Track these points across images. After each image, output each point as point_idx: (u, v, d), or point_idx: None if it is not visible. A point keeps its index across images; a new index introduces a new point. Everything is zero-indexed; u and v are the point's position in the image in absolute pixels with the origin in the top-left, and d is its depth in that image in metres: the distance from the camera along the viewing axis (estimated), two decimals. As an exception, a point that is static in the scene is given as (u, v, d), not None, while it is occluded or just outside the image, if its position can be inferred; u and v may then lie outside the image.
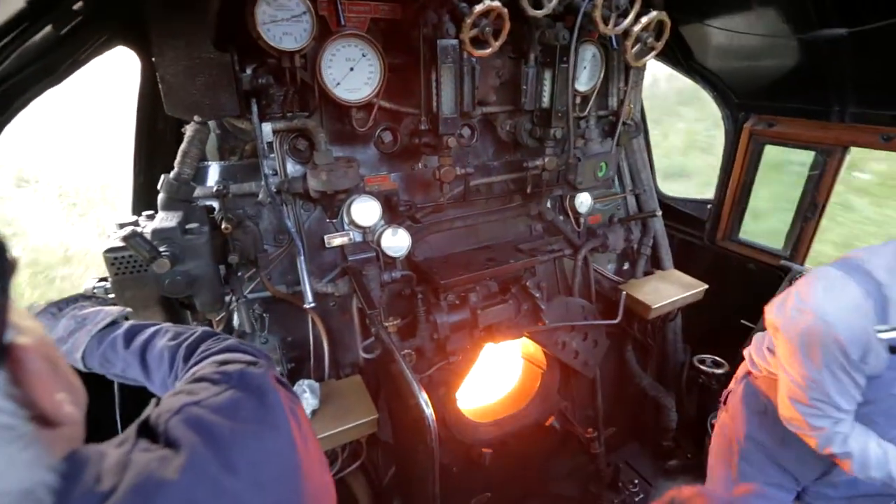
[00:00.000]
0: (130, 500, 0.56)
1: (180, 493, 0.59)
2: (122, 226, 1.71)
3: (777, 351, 1.76)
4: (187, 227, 1.73)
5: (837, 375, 1.51)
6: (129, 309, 1.41)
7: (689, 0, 2.55)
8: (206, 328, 1.14)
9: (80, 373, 1.20)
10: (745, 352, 2.13)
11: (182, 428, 0.66)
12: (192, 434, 0.65)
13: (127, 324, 1.22)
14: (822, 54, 2.29)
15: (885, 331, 1.43)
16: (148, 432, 0.68)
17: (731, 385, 2.24)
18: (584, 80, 2.58)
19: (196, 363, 0.97)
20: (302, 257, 2.15)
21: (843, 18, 2.06)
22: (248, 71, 1.98)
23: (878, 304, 1.45)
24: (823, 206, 2.75)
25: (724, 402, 2.27)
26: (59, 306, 1.27)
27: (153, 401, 0.75)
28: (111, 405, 1.66)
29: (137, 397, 1.22)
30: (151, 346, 1.13)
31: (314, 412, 2.07)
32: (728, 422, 2.17)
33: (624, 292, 2.96)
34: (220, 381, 0.77)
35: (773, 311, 1.77)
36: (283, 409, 0.78)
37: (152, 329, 1.17)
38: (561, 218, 2.97)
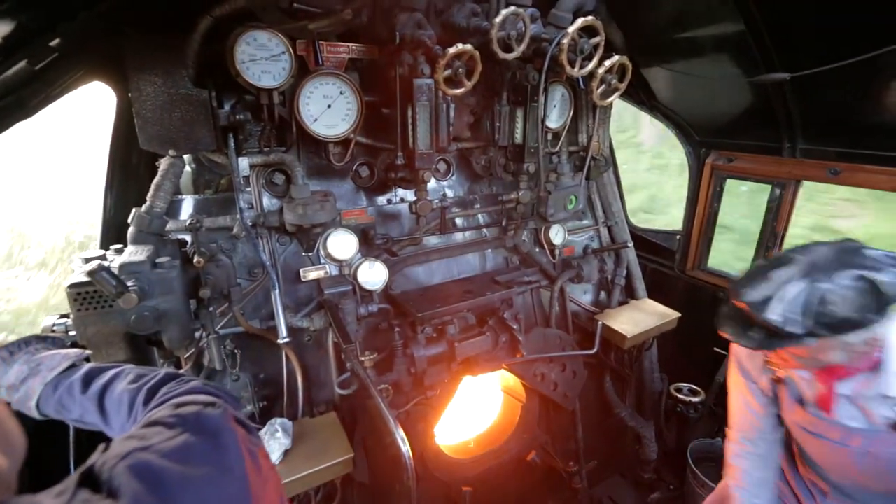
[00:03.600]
0: None
1: None
2: (87, 260, 1.66)
3: None
4: (158, 260, 1.70)
5: None
6: (88, 351, 1.34)
7: (648, 45, 2.74)
8: (170, 370, 1.09)
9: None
10: None
11: (127, 475, 0.62)
12: (136, 482, 0.61)
13: (86, 367, 1.15)
14: (771, 95, 2.47)
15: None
16: (91, 481, 0.64)
17: None
18: (555, 117, 2.70)
19: (156, 406, 0.92)
20: (277, 291, 2.11)
21: (785, 64, 2.25)
22: (226, 106, 2.00)
23: None
24: (783, 236, 2.89)
25: None
26: (11, 350, 1.18)
27: (101, 446, 0.71)
28: (66, 448, 1.56)
29: (94, 440, 1.16)
30: (110, 391, 1.07)
31: (286, 452, 1.98)
32: None
33: (600, 322, 3.00)
34: (175, 425, 0.74)
35: None
36: (239, 451, 0.75)
37: (112, 372, 1.11)
38: (537, 250, 3.03)
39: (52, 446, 1.55)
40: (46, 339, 1.24)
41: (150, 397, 0.99)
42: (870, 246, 1.31)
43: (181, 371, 1.07)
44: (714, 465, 3.23)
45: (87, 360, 1.31)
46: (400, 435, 1.80)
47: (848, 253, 1.28)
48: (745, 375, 1.76)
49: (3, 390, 1.14)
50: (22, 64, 1.45)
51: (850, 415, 1.49)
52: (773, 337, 1.29)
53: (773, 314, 1.26)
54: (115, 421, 1.06)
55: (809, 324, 1.23)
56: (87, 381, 1.11)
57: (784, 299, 1.25)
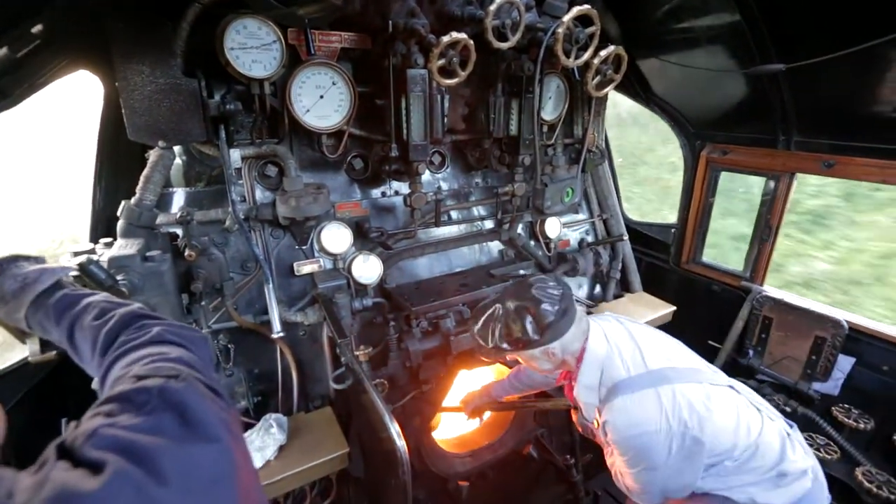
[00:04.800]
0: None
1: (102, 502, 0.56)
2: (76, 254, 1.63)
3: None
4: (148, 254, 1.67)
5: None
6: (72, 266, 1.35)
7: (643, 36, 2.73)
8: (133, 308, 1.06)
9: (26, 400, 1.13)
10: None
11: (101, 451, 0.62)
12: (112, 454, 0.61)
13: (59, 294, 1.14)
14: (766, 87, 2.47)
15: None
16: (67, 455, 0.64)
17: None
18: (550, 109, 2.68)
19: (113, 360, 0.90)
20: (270, 285, 2.09)
21: (781, 55, 2.24)
22: (217, 96, 1.96)
23: None
24: (777, 229, 2.90)
25: None
26: None
27: (72, 424, 0.70)
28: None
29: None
30: (79, 325, 1.06)
31: (281, 447, 1.96)
32: None
33: (595, 315, 2.99)
34: (138, 401, 0.73)
35: None
36: (211, 421, 0.75)
37: (83, 303, 1.10)
38: (532, 243, 3.02)
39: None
40: (30, 258, 1.23)
41: (109, 344, 0.97)
42: (539, 278, 1.76)
43: (146, 313, 1.05)
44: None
45: (78, 272, 1.36)
46: (395, 430, 1.78)
47: (523, 288, 1.72)
48: None
49: None
50: (3, 51, 1.41)
51: (586, 412, 1.85)
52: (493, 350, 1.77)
53: (488, 341, 1.76)
54: (85, 356, 1.06)
55: (504, 343, 1.71)
56: (60, 311, 1.11)
57: (492, 330, 1.73)
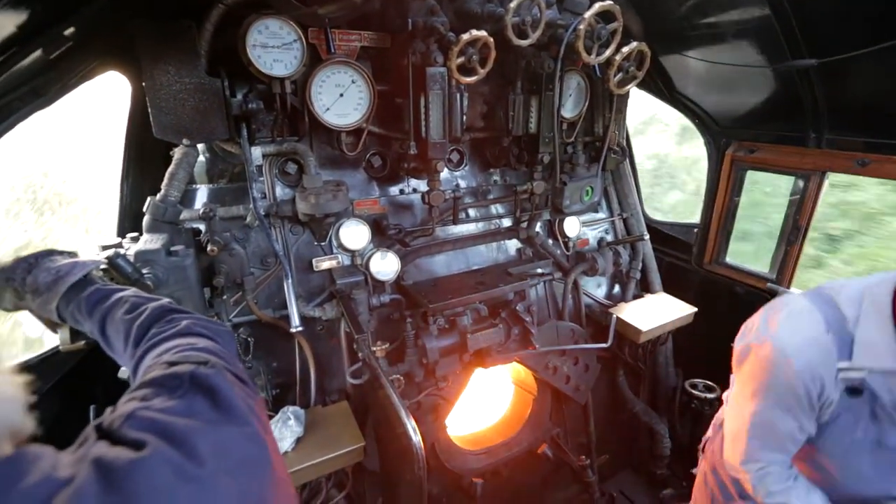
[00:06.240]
0: (92, 485, 0.55)
1: (145, 477, 0.59)
2: (104, 248, 1.68)
3: (733, 382, 1.61)
4: (172, 249, 1.72)
5: (785, 413, 1.40)
6: (102, 261, 1.41)
7: (667, 32, 2.66)
8: (163, 303, 1.10)
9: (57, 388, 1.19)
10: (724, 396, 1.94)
11: (137, 430, 0.65)
12: (149, 434, 0.64)
13: (91, 288, 1.20)
14: (796, 83, 2.38)
15: (847, 369, 1.30)
16: (105, 436, 0.67)
17: (709, 433, 2.00)
18: (570, 107, 2.65)
19: (145, 351, 0.94)
20: (289, 280, 2.12)
21: (812, 50, 2.16)
22: (239, 95, 2.00)
23: (839, 340, 1.32)
24: (806, 230, 2.80)
25: (703, 451, 2.03)
26: (30, 261, 1.26)
27: (108, 409, 0.73)
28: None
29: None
30: (110, 318, 1.11)
31: (298, 440, 2.00)
32: (707, 471, 1.96)
33: (614, 316, 2.95)
34: (171, 385, 0.76)
35: (738, 338, 1.62)
36: (239, 405, 0.77)
37: (114, 298, 1.15)
38: (550, 242, 2.99)
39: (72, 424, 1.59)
40: (63, 253, 1.31)
41: (141, 336, 1.01)
42: None
43: (175, 307, 1.10)
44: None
45: (108, 266, 1.44)
46: (411, 425, 1.80)
47: None
48: (796, 392, 1.38)
49: (28, 295, 1.22)
50: (37, 53, 1.47)
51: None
52: None
53: None
54: (117, 348, 1.10)
55: None
56: (92, 304, 1.16)
57: None
